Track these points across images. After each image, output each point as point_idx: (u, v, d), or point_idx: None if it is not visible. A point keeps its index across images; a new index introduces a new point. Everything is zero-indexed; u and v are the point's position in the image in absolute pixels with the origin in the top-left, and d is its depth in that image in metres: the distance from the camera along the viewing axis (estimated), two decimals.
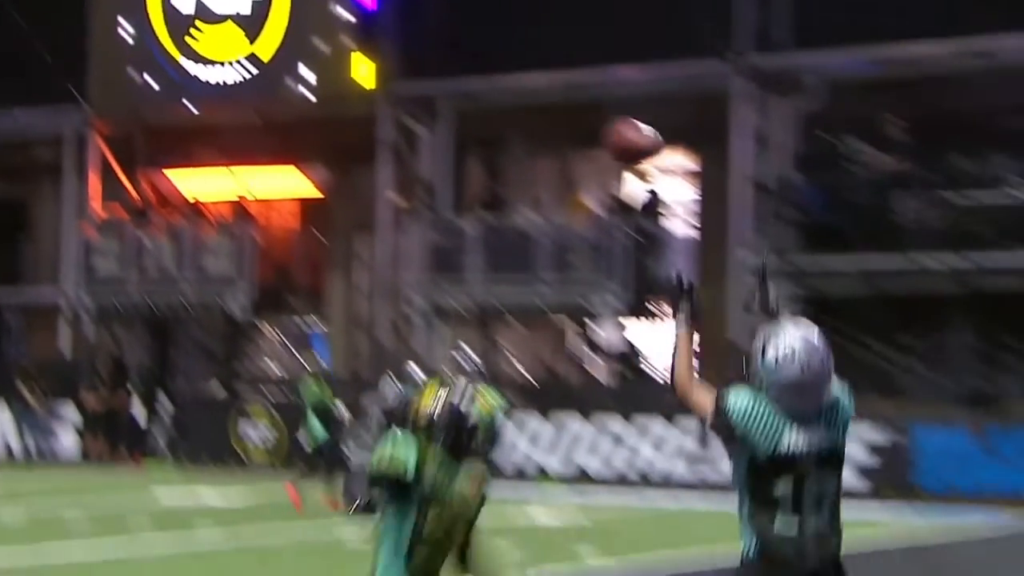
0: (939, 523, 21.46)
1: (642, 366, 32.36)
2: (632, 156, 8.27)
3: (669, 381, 7.42)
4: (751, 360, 6.82)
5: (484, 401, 10.58)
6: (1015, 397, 27.39)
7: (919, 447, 25.53)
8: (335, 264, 35.84)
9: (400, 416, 16.37)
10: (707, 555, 17.21)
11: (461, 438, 8.05)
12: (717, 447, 22.76)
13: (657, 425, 27.89)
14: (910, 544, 19.35)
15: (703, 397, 6.89)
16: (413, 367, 27.30)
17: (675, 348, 7.07)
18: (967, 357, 28.96)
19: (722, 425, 6.80)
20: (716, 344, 30.49)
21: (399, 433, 8.71)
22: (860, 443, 25.40)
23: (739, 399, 6.79)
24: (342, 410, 23.12)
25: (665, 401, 28.00)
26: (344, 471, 22.23)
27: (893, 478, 25.31)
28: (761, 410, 6.72)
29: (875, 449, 25.65)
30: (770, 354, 6.70)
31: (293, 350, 34.74)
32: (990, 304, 28.46)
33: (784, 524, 6.75)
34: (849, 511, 20.05)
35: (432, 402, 8.28)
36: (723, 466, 25.73)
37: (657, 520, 22.61)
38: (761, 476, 6.82)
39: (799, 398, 6.70)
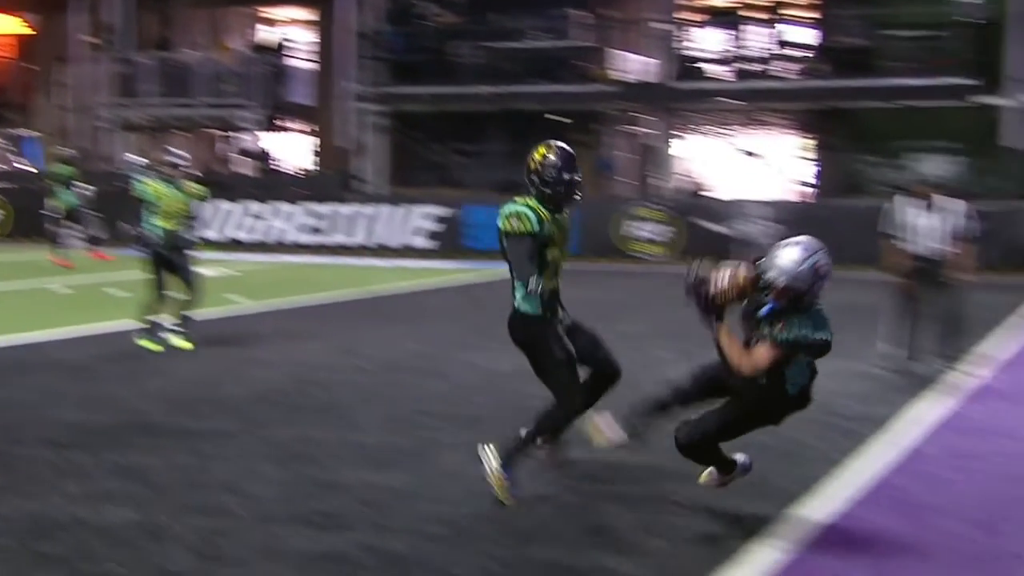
0: (482, 270, 22.31)
1: (273, 165, 32.64)
2: None
3: (732, 368, 6.04)
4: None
5: (192, 189, 12.33)
6: None
7: (468, 220, 26.38)
8: (43, 88, 35.05)
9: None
10: (325, 296, 18.34)
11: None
12: None
13: (286, 206, 28.35)
14: (463, 283, 20.53)
15: (755, 354, 5.95)
16: (133, 157, 28.15)
17: (720, 347, 6.13)
18: (501, 157, 30.46)
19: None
20: (329, 144, 32.12)
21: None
22: (428, 218, 27.20)
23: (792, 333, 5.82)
24: (83, 186, 22.83)
25: (290, 191, 29.55)
26: (84, 227, 22.69)
27: (451, 242, 26.39)
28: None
29: (440, 220, 26.68)
30: (803, 267, 5.75)
31: (12, 153, 33.53)
32: (517, 120, 30.12)
33: None
34: (423, 264, 23.07)
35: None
36: (336, 237, 27.72)
37: (289, 272, 22.56)
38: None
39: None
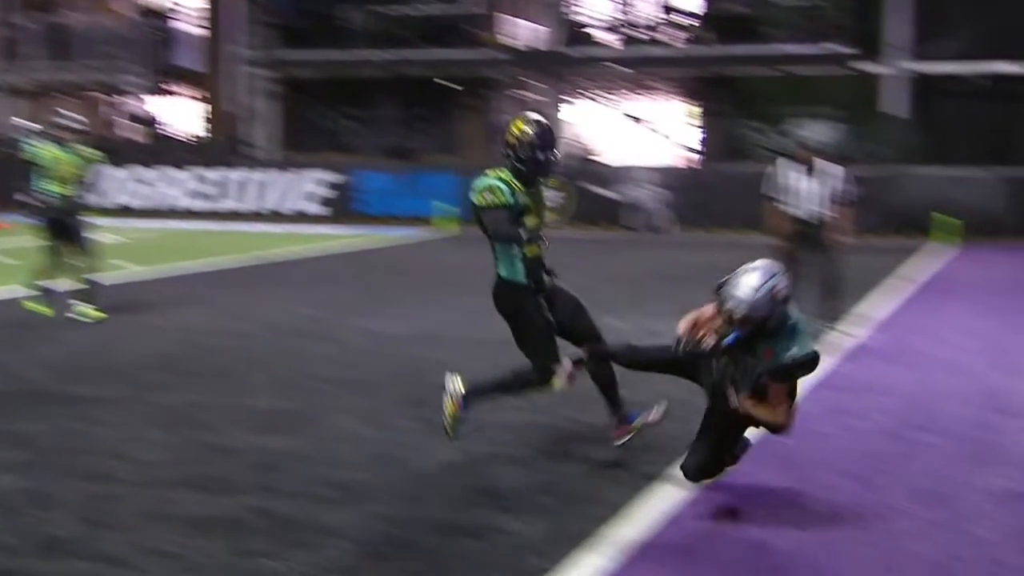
0: (375, 236, 22.43)
1: (162, 130, 32.22)
2: None
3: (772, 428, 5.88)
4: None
5: (86, 153, 12.06)
6: (424, 151, 28.70)
7: (360, 185, 26.37)
8: None
9: None
10: (217, 262, 18.20)
11: None
12: None
13: (175, 172, 28.02)
14: (355, 250, 20.28)
15: (777, 402, 5.76)
16: (20, 122, 27.44)
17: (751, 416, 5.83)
18: (392, 123, 30.49)
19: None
20: (219, 110, 31.69)
21: None
22: (320, 183, 27.07)
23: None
24: None
25: (180, 156, 29.17)
26: None
27: (343, 207, 26.33)
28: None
29: (332, 187, 26.54)
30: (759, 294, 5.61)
31: None
32: (409, 86, 30.17)
33: None
34: (316, 230, 22.88)
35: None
36: (227, 203, 27.41)
37: (179, 239, 22.39)
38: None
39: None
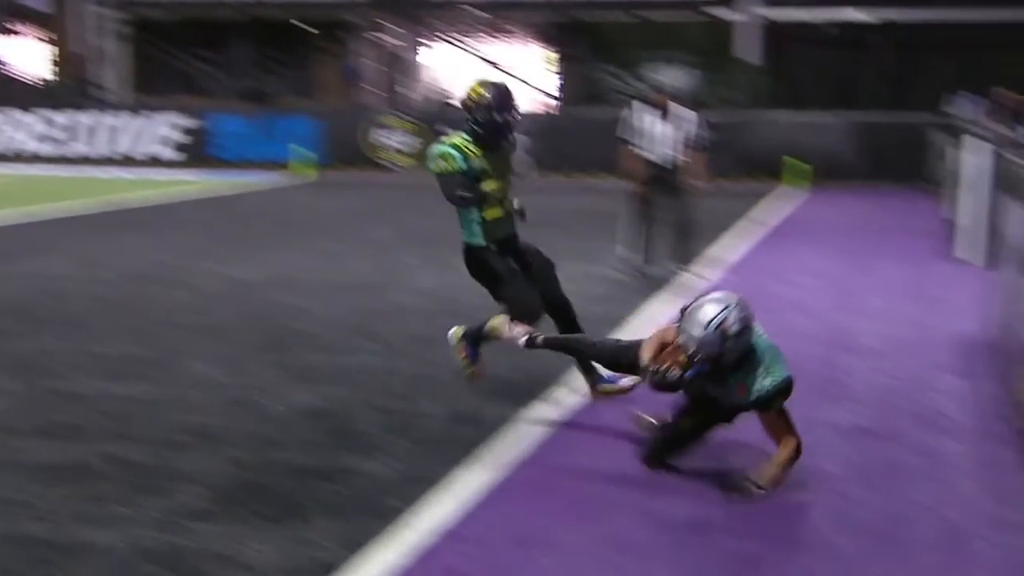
0: (230, 181, 22.05)
1: (5, 72, 31.19)
2: None
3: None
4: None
5: None
6: (280, 95, 28.38)
7: (215, 130, 25.64)
8: None
9: None
10: (67, 207, 17.74)
11: None
12: None
13: (18, 114, 26.91)
14: (211, 195, 19.91)
15: (781, 432, 5.50)
16: None
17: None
18: (247, 66, 30.18)
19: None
20: (66, 51, 30.80)
21: None
22: (174, 127, 26.30)
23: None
24: None
25: (26, 98, 28.24)
26: None
27: (197, 152, 25.56)
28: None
29: (186, 131, 25.71)
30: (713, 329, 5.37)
31: None
32: (266, 29, 29.72)
33: None
34: (170, 175, 22.45)
35: None
36: (77, 147, 26.67)
37: (27, 184, 21.79)
38: None
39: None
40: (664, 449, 5.81)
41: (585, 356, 6.68)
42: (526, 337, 6.58)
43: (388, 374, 7.58)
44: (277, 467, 5.74)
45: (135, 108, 27.56)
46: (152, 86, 30.15)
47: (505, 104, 6.75)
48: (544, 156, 24.57)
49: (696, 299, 5.66)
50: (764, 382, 5.40)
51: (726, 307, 5.41)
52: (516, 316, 6.74)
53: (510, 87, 6.93)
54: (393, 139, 24.64)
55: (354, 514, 5.14)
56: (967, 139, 13.93)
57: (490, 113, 6.71)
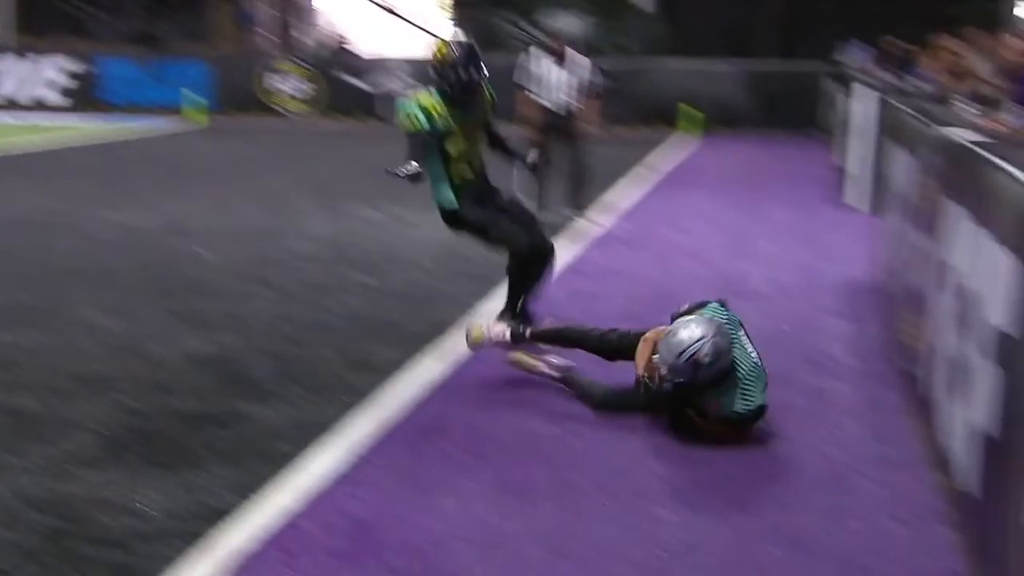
0: (120, 127, 21.68)
1: None
2: None
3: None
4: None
5: None
6: (171, 39, 27.79)
7: (103, 73, 25.09)
8: None
9: None
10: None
11: None
12: None
13: None
14: (100, 141, 19.54)
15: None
16: None
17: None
18: (138, 9, 29.56)
19: None
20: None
21: None
22: (61, 71, 26.02)
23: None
24: None
25: None
26: None
27: (85, 96, 25.01)
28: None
29: (72, 76, 25.13)
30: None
31: None
32: None
33: None
34: (57, 120, 22.00)
35: None
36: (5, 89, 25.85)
37: None
38: None
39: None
40: (616, 407, 5.81)
41: (578, 345, 6.35)
42: (509, 331, 6.55)
43: (282, 320, 7.52)
44: (167, 413, 5.68)
45: (19, 51, 26.79)
46: (37, 28, 29.30)
47: (469, 62, 6.75)
48: None
49: (684, 314, 5.71)
50: (737, 405, 5.41)
51: (701, 339, 5.37)
52: (516, 251, 6.84)
53: (475, 44, 6.97)
54: (287, 85, 24.33)
55: (246, 460, 5.10)
56: (856, 87, 14.14)
57: (456, 70, 6.71)
